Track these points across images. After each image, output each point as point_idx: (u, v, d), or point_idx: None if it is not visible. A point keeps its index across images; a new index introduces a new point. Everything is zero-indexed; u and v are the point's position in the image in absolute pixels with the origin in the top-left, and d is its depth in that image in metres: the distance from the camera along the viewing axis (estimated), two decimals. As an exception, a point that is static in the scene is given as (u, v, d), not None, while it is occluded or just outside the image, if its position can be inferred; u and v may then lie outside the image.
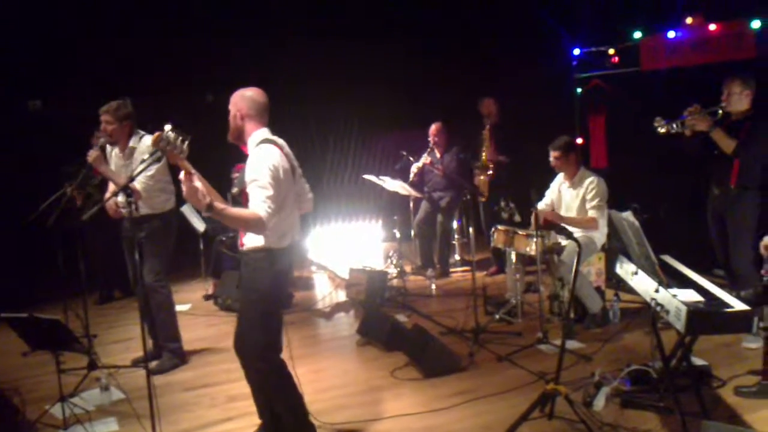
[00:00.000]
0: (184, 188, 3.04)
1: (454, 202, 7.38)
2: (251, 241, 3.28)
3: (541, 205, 5.58)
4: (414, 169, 7.24)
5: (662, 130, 4.90)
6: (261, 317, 3.30)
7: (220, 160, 6.90)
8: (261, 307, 3.30)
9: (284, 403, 3.40)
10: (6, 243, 6.94)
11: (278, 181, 3.15)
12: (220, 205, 3.08)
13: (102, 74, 7.55)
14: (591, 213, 5.32)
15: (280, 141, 3.37)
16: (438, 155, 7.30)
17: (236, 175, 6.81)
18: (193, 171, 3.11)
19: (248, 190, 3.15)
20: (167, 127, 3.16)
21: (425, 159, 7.20)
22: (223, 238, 6.73)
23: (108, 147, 4.81)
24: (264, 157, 3.17)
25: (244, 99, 3.32)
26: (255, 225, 3.09)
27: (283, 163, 3.22)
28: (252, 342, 3.33)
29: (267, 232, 3.14)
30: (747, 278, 4.72)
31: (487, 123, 6.95)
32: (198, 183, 3.06)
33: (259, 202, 3.08)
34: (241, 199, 3.28)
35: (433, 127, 7.26)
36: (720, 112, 4.70)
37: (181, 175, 3.07)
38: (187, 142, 3.16)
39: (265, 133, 3.33)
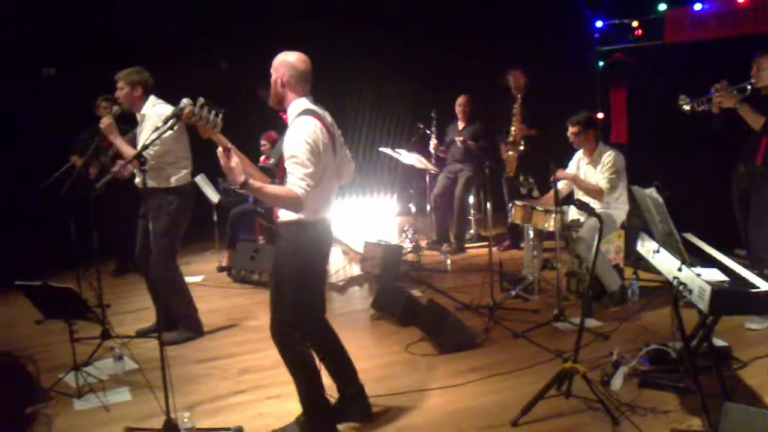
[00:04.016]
0: (222, 163, 2.95)
1: (472, 177, 7.29)
2: (286, 213, 3.21)
3: (560, 185, 5.46)
4: (440, 146, 7.32)
5: (687, 108, 4.75)
6: (290, 291, 3.25)
7: (243, 129, 6.84)
8: (291, 281, 3.24)
9: (300, 377, 3.36)
10: (21, 211, 6.95)
11: (317, 155, 3.06)
12: (256, 183, 3.00)
13: (116, 42, 7.47)
14: (601, 183, 5.22)
15: (321, 111, 3.25)
16: (460, 126, 7.24)
17: (264, 142, 6.77)
18: (230, 146, 3.03)
19: (286, 165, 3.06)
20: (200, 100, 3.07)
21: (434, 141, 7.29)
22: (260, 210, 6.68)
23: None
24: (303, 130, 3.06)
25: (284, 65, 3.20)
26: (292, 203, 3.03)
27: (323, 137, 3.12)
28: (278, 315, 3.31)
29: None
30: (763, 260, 4.60)
31: (517, 95, 6.79)
32: (236, 159, 2.97)
33: (296, 180, 3.00)
34: (277, 171, 3.21)
35: (462, 98, 7.29)
36: (749, 87, 4.54)
37: (218, 150, 2.98)
38: (220, 116, 3.08)
39: (304, 103, 3.21)
